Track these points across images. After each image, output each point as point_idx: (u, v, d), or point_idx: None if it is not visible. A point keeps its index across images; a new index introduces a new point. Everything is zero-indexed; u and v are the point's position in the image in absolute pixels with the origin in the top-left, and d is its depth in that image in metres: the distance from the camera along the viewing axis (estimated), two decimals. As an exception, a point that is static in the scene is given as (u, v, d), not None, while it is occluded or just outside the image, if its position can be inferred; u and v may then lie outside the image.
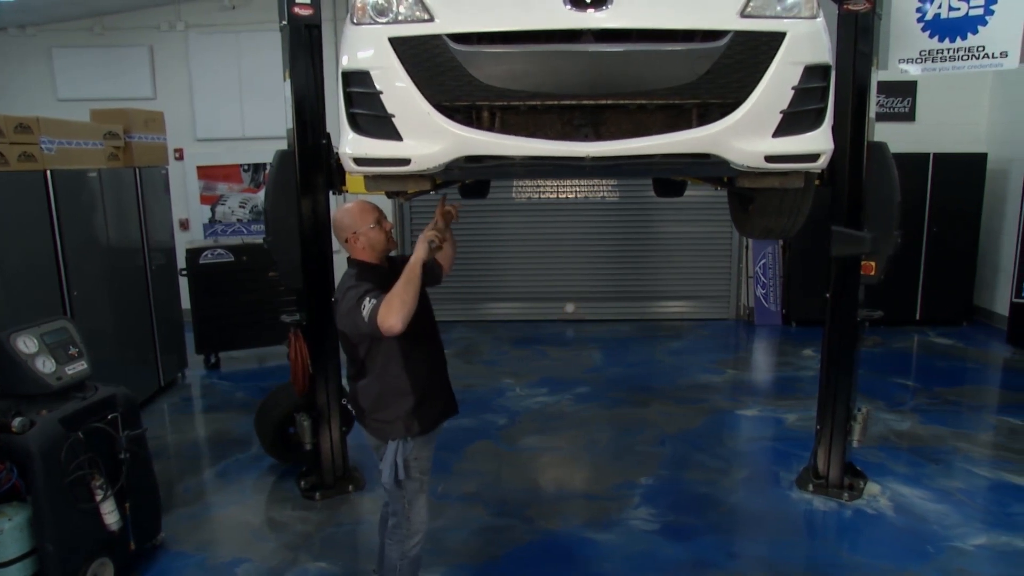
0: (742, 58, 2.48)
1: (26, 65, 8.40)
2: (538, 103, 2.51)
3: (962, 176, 7.84)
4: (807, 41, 2.56)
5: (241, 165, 8.61)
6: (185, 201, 8.61)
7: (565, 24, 2.46)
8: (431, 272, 3.11)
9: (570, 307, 8.77)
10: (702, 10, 2.53)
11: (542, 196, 8.38)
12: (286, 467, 4.78)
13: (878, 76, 4.03)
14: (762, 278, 8.40)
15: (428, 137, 2.58)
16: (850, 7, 3.86)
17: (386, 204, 7.66)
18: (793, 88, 2.53)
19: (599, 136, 2.53)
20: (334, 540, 3.96)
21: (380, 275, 2.87)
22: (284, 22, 3.94)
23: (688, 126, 2.54)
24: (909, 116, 8.34)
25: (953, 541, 3.83)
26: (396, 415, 2.89)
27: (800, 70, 2.53)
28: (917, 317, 8.15)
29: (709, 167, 2.64)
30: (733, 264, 8.69)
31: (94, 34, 8.34)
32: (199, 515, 4.27)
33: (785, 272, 8.32)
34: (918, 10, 4.11)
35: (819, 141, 2.64)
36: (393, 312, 2.57)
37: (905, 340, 7.77)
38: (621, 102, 2.50)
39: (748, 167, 2.58)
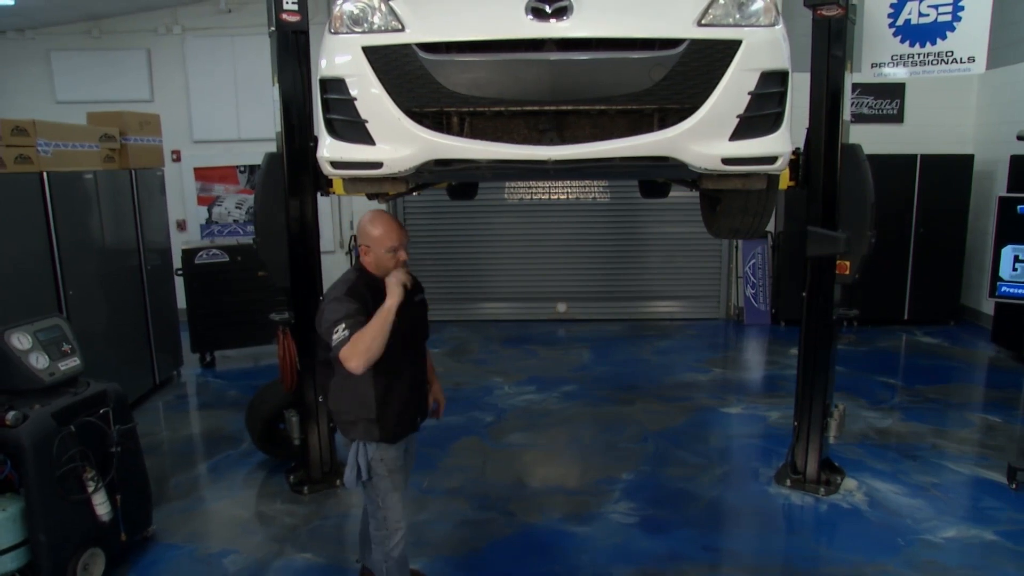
0: (698, 65, 2.58)
1: (25, 68, 8.53)
2: (503, 109, 2.61)
3: (949, 177, 7.93)
4: (764, 48, 2.66)
5: (237, 166, 8.73)
6: (182, 202, 8.73)
7: (528, 34, 2.56)
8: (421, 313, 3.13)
9: (562, 307, 8.87)
10: (659, 20, 2.63)
11: (534, 197, 8.47)
12: (276, 462, 4.88)
13: (852, 79, 4.12)
14: (751, 278, 8.49)
15: (399, 141, 2.68)
16: (823, 12, 3.96)
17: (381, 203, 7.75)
18: (750, 93, 2.63)
19: (563, 140, 2.64)
20: (320, 532, 4.06)
21: (373, 290, 2.87)
22: (272, 28, 4.04)
23: (648, 130, 2.64)
24: (897, 118, 8.44)
25: (924, 534, 3.92)
26: (357, 417, 2.94)
27: (756, 76, 2.63)
28: (905, 317, 8.24)
29: (668, 169, 2.74)
30: (723, 264, 8.79)
31: (92, 37, 8.47)
32: (190, 508, 4.37)
33: (774, 272, 8.42)
34: (890, 15, 4.21)
35: (776, 144, 2.73)
36: (356, 355, 2.65)
37: (892, 339, 7.86)
38: (582, 108, 2.60)
39: (705, 169, 2.68)
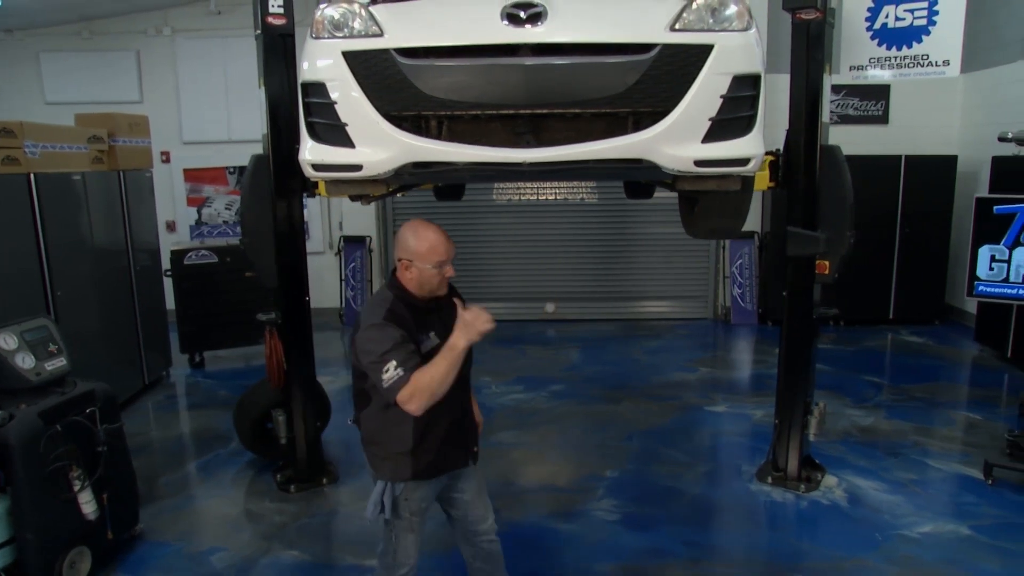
0: (670, 69, 2.64)
1: (14, 69, 8.55)
2: (480, 112, 2.66)
3: (934, 178, 8.01)
4: (736, 52, 2.71)
5: (227, 168, 8.74)
6: (172, 203, 8.75)
7: (503, 39, 2.61)
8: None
9: (550, 307, 8.92)
10: (631, 25, 2.69)
11: (523, 198, 8.53)
12: (265, 462, 4.91)
13: (831, 80, 4.17)
14: (739, 278, 8.56)
15: (378, 144, 2.73)
16: (802, 16, 4.01)
17: (368, 207, 7.77)
18: (722, 97, 2.69)
19: (539, 142, 2.69)
20: (307, 530, 4.10)
21: (414, 311, 2.63)
22: (258, 31, 4.08)
23: (622, 133, 2.70)
24: (882, 119, 8.52)
25: (901, 529, 3.99)
26: (390, 452, 2.71)
27: (728, 80, 2.69)
28: (891, 316, 8.32)
29: (641, 171, 2.80)
30: (711, 264, 8.85)
31: (82, 39, 8.50)
32: (179, 507, 4.40)
33: (761, 272, 8.48)
34: (867, 19, 4.28)
35: (749, 146, 2.79)
36: (418, 399, 2.41)
37: (878, 339, 7.93)
38: (557, 111, 2.66)
39: (678, 171, 2.73)
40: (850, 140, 7.54)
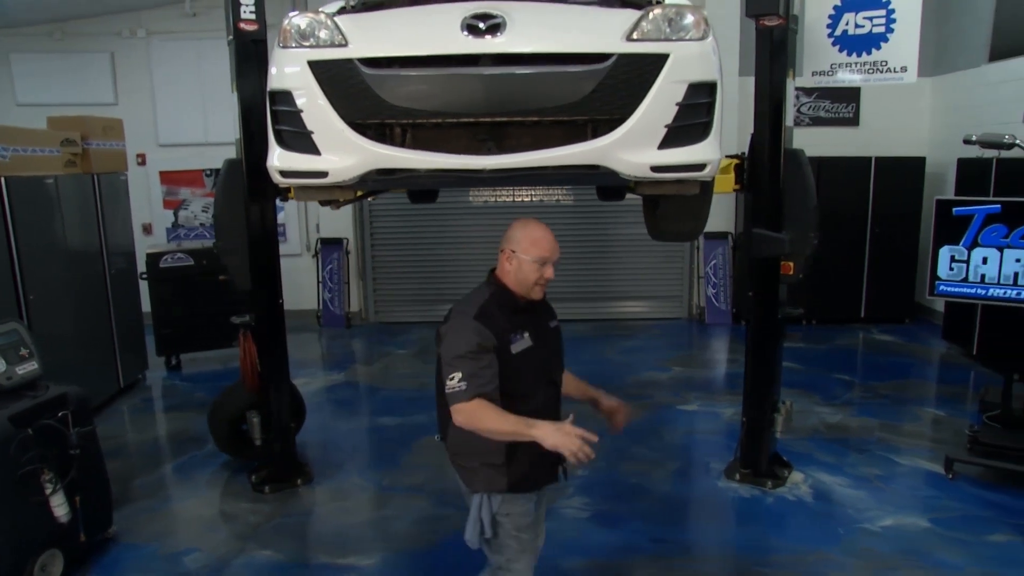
0: (626, 78, 2.72)
1: (-15, 70, 8.49)
2: (441, 120, 2.73)
3: (903, 179, 8.15)
4: (692, 61, 2.80)
5: (203, 170, 8.74)
6: (148, 206, 8.73)
7: (464, 50, 2.69)
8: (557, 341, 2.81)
9: (527, 307, 8.96)
10: (588, 35, 2.78)
11: (499, 200, 8.57)
12: (240, 463, 4.93)
13: (795, 84, 4.27)
14: (712, 278, 8.67)
15: (343, 152, 2.79)
16: (765, 23, 4.11)
17: (345, 209, 7.80)
18: (677, 104, 2.77)
19: (500, 149, 2.77)
20: (281, 530, 4.14)
21: (511, 308, 2.59)
22: (230, 37, 4.11)
23: (581, 140, 2.78)
24: (853, 121, 8.66)
25: (863, 523, 4.09)
26: (481, 463, 2.56)
27: (684, 87, 2.77)
28: (861, 315, 8.46)
29: (599, 177, 2.88)
30: (685, 265, 8.96)
31: (54, 40, 8.44)
32: (153, 509, 4.42)
33: (735, 272, 8.60)
34: (829, 26, 4.39)
35: (705, 152, 2.87)
36: (465, 420, 2.38)
37: (849, 338, 8.07)
38: (517, 119, 2.73)
39: (635, 177, 2.82)
40: (822, 142, 7.74)
